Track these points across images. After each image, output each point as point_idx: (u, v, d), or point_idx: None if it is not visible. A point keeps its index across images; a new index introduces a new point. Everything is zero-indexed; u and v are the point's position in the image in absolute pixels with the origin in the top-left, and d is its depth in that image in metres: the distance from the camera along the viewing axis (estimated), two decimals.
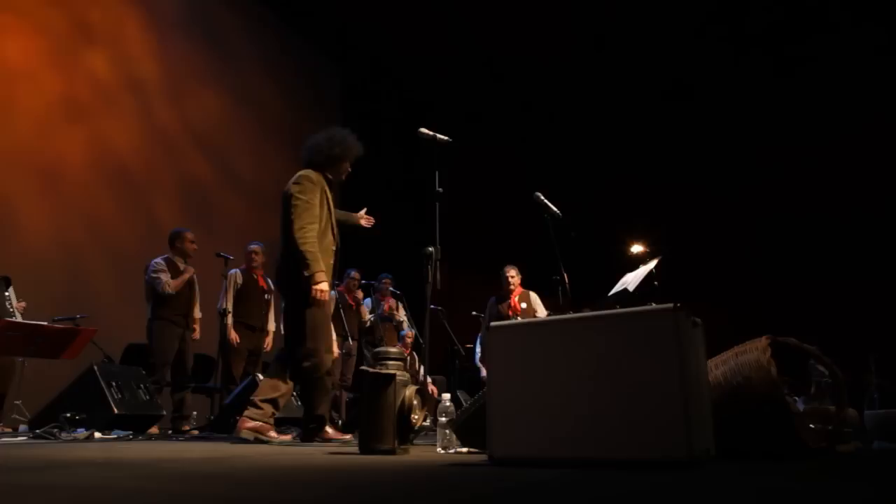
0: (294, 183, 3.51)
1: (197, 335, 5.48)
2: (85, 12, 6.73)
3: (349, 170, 3.78)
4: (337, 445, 3.17)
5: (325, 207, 3.58)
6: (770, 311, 6.94)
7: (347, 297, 6.38)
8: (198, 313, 5.52)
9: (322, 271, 3.39)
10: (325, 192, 3.60)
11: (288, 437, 3.60)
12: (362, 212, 3.91)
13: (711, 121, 8.64)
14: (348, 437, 3.55)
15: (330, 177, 3.69)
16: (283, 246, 3.53)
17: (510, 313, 5.14)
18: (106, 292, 6.15)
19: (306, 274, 3.36)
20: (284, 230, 3.50)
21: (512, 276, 5.28)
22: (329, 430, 3.50)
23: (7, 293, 4.42)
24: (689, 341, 1.62)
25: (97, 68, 6.79)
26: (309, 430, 3.47)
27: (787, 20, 8.06)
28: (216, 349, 5.59)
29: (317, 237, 3.46)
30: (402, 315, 6.98)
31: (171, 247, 5.41)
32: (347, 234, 3.86)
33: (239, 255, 5.91)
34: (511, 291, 5.25)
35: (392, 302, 6.95)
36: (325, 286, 3.40)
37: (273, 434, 3.41)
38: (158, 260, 5.31)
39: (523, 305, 5.21)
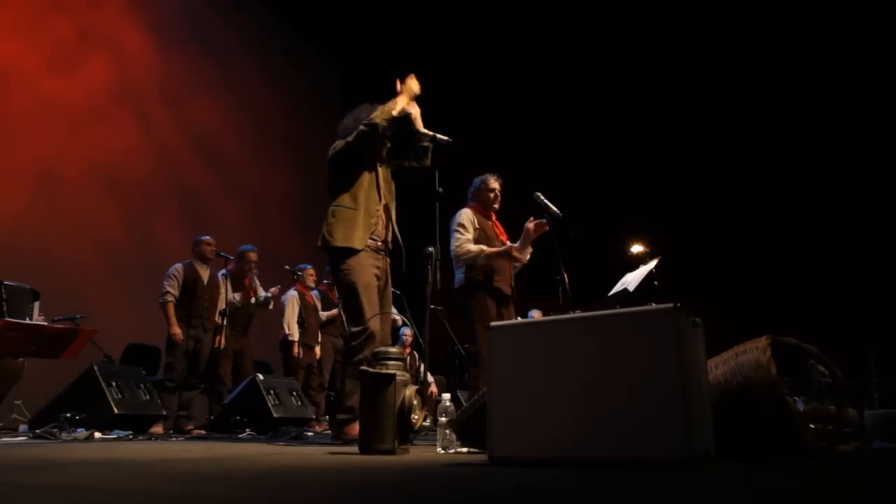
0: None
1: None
2: (84, 19, 6.73)
3: (385, 143, 3.67)
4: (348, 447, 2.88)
5: (372, 167, 3.52)
6: (770, 311, 6.94)
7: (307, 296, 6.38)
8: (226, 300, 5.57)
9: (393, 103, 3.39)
10: (372, 157, 3.54)
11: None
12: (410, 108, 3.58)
13: (712, 120, 8.64)
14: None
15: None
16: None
17: (497, 233, 4.07)
18: (106, 292, 6.16)
19: (385, 118, 3.34)
20: (329, 190, 3.51)
21: (498, 191, 4.13)
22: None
23: (31, 306, 4.42)
24: (689, 341, 1.62)
25: (97, 74, 6.79)
26: (337, 421, 3.19)
27: (790, 20, 8.06)
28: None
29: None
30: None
31: (193, 252, 5.61)
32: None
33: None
34: (495, 209, 4.12)
35: None
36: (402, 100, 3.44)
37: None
38: (175, 267, 5.45)
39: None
